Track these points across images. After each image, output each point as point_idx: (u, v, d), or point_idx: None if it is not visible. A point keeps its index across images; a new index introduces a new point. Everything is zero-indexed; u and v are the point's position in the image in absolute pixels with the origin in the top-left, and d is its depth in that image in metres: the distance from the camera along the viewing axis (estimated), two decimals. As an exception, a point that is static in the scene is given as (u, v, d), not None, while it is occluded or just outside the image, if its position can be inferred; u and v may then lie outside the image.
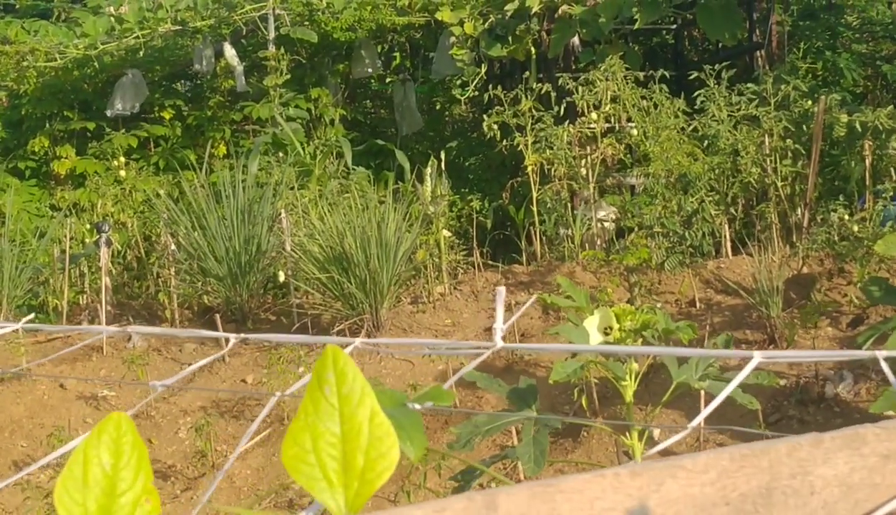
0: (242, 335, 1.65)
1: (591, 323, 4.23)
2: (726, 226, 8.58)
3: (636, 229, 8.52)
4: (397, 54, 13.40)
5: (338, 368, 1.09)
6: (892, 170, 8.33)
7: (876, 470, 1.38)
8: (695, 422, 1.75)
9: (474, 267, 8.96)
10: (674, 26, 12.12)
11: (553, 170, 9.04)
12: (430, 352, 6.25)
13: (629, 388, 3.92)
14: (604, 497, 1.18)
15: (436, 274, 8.68)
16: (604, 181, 9.26)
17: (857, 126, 8.31)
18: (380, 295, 8.14)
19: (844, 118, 8.45)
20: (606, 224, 9.21)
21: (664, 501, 1.21)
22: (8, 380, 7.94)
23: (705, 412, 1.58)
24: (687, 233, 8.20)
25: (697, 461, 1.24)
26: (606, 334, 4.23)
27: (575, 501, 1.15)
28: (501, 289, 1.63)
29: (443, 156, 9.51)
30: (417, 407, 1.41)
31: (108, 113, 11.84)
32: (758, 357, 1.67)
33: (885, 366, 1.37)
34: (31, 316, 2.01)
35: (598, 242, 9.06)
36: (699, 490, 1.22)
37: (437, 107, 13.08)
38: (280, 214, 8.78)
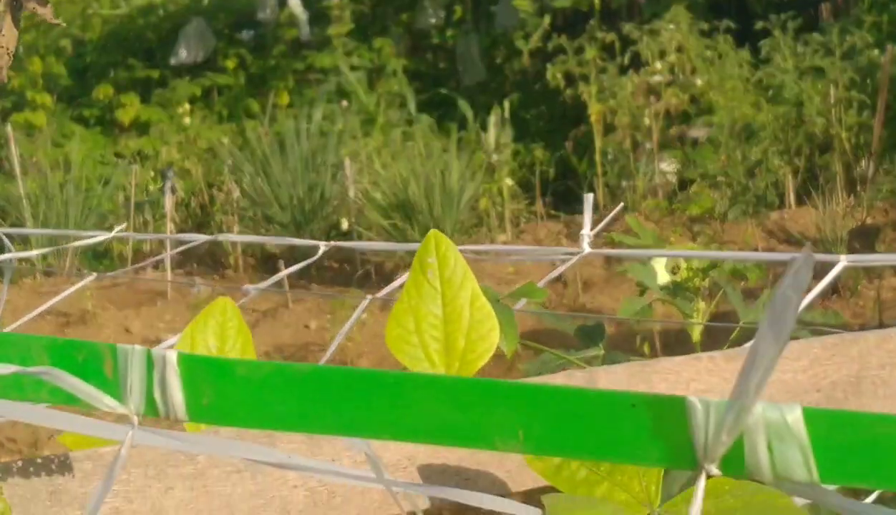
0: (333, 242, 1.68)
1: (659, 262, 4.25)
2: (790, 177, 8.54)
3: (699, 179, 8.51)
4: (458, 7, 13.36)
5: (440, 252, 1.12)
6: (959, 122, 8.27)
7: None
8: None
9: (536, 217, 8.98)
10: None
11: (616, 120, 9.04)
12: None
13: (696, 328, 3.94)
14: (699, 378, 1.20)
15: (498, 222, 8.71)
16: (667, 132, 9.24)
17: (924, 77, 8.26)
18: (443, 242, 8.18)
19: (910, 68, 8.39)
20: (669, 175, 9.20)
21: (758, 385, 1.22)
22: (74, 324, 8.05)
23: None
24: (750, 183, 8.18)
25: (791, 348, 1.27)
26: (674, 274, 4.25)
27: (671, 381, 1.17)
28: (590, 196, 1.65)
29: (506, 104, 9.53)
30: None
31: (173, 61, 11.92)
32: (844, 260, 1.69)
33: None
34: (123, 225, 2.04)
35: (661, 194, 9.04)
36: (791, 376, 1.25)
37: (499, 60, 13.05)
38: (344, 162, 8.83)
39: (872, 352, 1.30)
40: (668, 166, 9.17)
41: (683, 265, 4.26)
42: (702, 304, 4.07)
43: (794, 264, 0.43)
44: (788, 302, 0.42)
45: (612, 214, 1.98)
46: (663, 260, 4.21)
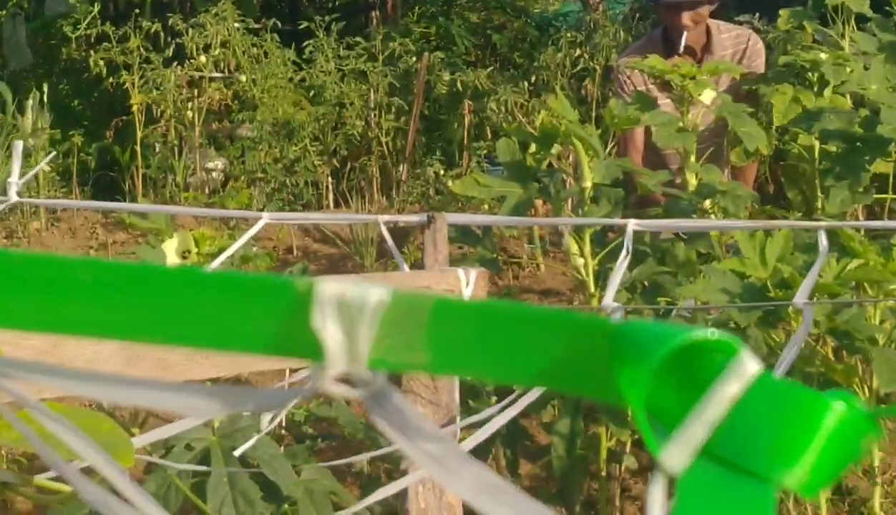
0: None
1: (170, 245, 4.24)
2: (329, 177, 8.71)
3: (241, 176, 8.56)
4: (14, -10, 12.92)
5: None
6: (488, 129, 8.65)
7: None
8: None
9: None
10: (293, -20, 12.18)
11: (160, 111, 8.96)
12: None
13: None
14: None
15: (33, 209, 8.46)
16: (211, 127, 9.23)
17: (459, 85, 8.60)
18: (-29, 228, 7.91)
19: (447, 77, 8.72)
20: (214, 174, 9.19)
21: None
22: None
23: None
24: (288, 181, 8.28)
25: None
26: (184, 257, 4.24)
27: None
28: (19, 144, 1.63)
29: (45, 88, 9.28)
30: None
31: None
32: (266, 217, 1.77)
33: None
34: None
35: (207, 190, 9.03)
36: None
37: (51, 45, 12.71)
38: None
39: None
40: (212, 163, 9.17)
41: (194, 250, 4.26)
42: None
43: None
44: None
45: (40, 165, 1.97)
46: (175, 243, 4.21)
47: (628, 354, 0.44)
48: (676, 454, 0.45)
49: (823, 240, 1.92)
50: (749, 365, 0.45)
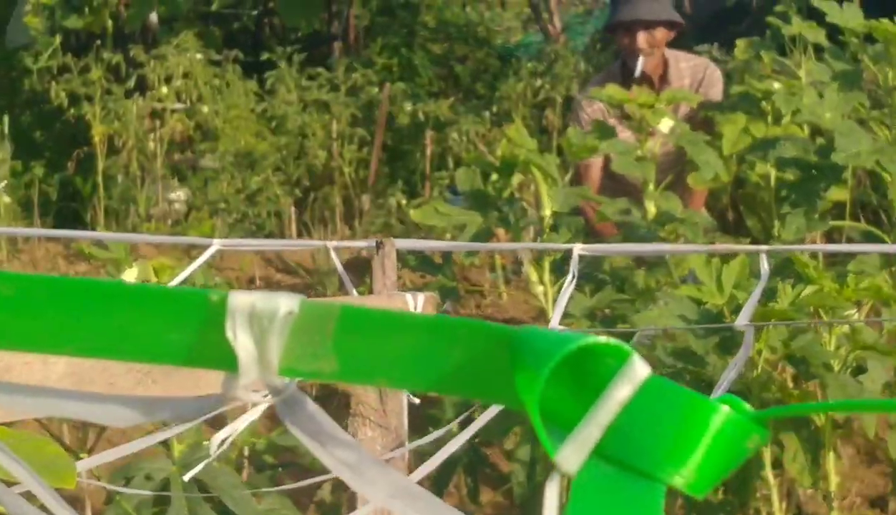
0: None
1: (130, 275, 4.24)
2: (292, 207, 8.72)
3: (204, 206, 8.57)
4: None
5: None
6: (450, 159, 8.68)
7: None
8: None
9: (36, 238, 8.76)
10: (255, 12, 12.20)
11: (122, 142, 8.96)
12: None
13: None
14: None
15: (-6, 241, 8.46)
16: (173, 158, 9.24)
17: (421, 116, 8.64)
18: (-69, 260, 7.88)
19: (409, 107, 8.77)
20: (177, 205, 9.19)
21: None
22: None
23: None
24: (250, 211, 8.30)
25: None
26: (145, 287, 4.23)
27: None
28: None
29: (6, 120, 9.27)
30: None
31: None
32: (217, 244, 1.81)
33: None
34: None
35: (169, 221, 9.03)
36: None
37: (12, 77, 12.69)
38: None
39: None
40: (176, 195, 9.17)
41: (154, 279, 4.27)
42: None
43: None
44: None
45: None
46: (135, 273, 4.21)
47: (525, 359, 0.47)
48: (571, 454, 0.47)
49: (765, 265, 1.95)
50: (639, 370, 0.47)
